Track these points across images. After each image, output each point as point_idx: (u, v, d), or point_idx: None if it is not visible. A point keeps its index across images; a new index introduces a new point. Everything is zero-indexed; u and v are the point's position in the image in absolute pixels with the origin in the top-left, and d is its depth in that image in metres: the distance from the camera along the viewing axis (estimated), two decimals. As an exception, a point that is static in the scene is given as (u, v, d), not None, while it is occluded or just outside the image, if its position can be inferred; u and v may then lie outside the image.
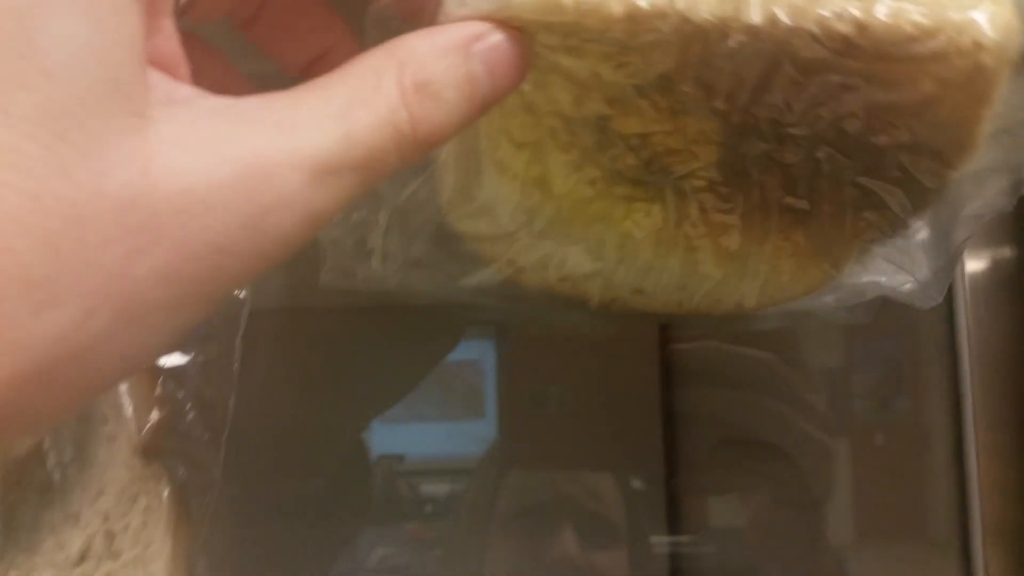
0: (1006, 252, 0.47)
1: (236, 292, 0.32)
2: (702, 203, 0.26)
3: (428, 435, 0.59)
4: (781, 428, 0.50)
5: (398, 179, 0.29)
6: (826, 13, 0.20)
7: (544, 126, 0.24)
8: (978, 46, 0.20)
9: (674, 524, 0.54)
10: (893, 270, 0.30)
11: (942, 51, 0.20)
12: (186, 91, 0.17)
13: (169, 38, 0.18)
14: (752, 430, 0.52)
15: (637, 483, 0.56)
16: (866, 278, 0.30)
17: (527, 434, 0.56)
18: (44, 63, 0.14)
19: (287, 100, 0.17)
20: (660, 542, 0.54)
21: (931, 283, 0.29)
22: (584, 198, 0.26)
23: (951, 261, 0.29)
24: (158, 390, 0.32)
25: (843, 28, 0.20)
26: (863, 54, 0.20)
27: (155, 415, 0.32)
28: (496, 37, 0.20)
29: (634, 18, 0.20)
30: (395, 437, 0.58)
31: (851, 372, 0.51)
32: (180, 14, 0.20)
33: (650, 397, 0.54)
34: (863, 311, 0.33)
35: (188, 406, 0.32)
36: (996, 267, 0.47)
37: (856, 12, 0.19)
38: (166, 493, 0.32)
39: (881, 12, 0.20)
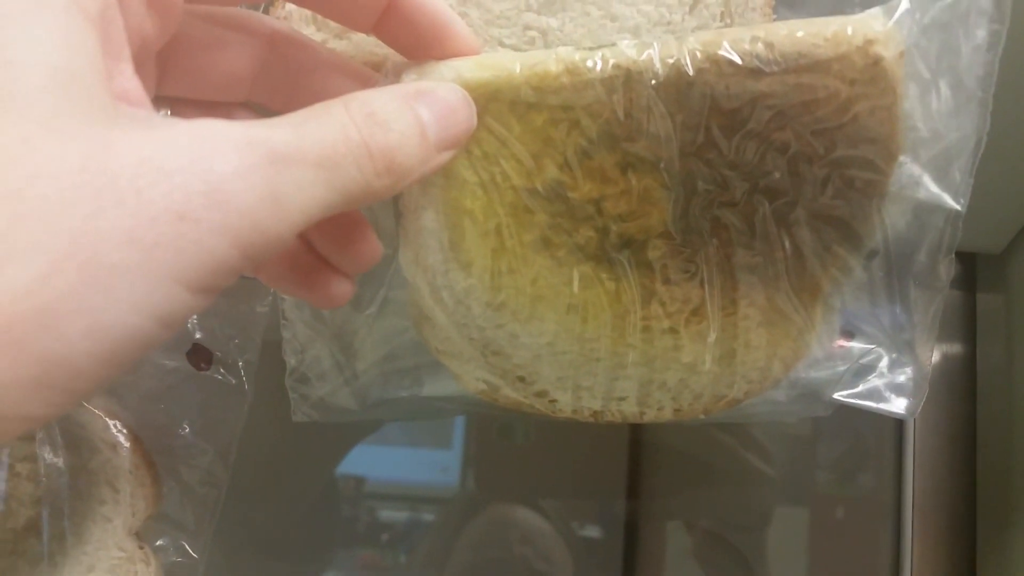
0: (956, 348, 0.50)
1: (238, 386, 0.33)
2: (665, 272, 0.27)
3: (392, 460, 0.59)
4: (729, 457, 0.53)
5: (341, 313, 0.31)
6: (735, 39, 0.23)
7: (505, 203, 0.26)
8: (870, 41, 0.23)
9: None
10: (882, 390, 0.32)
11: (842, 52, 0.23)
12: (150, 113, 0.19)
13: (130, 79, 0.19)
14: (706, 460, 0.54)
15: (594, 531, 0.58)
16: (856, 400, 0.32)
17: (493, 466, 0.58)
18: (7, 56, 0.15)
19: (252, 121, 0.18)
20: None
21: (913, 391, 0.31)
22: (552, 285, 0.27)
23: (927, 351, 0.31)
24: (156, 480, 0.33)
25: (752, 47, 0.23)
26: (774, 70, 0.23)
27: (151, 502, 0.33)
28: (442, 91, 0.22)
29: (572, 71, 0.24)
30: (358, 459, 0.58)
31: (816, 441, 0.54)
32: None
33: (618, 431, 0.56)
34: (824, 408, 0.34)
35: (183, 497, 0.33)
36: (945, 361, 0.50)
37: (761, 33, 0.23)
38: None
39: (782, 29, 0.23)
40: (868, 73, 0.23)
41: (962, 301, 0.49)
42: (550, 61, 0.24)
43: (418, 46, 0.24)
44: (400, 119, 0.20)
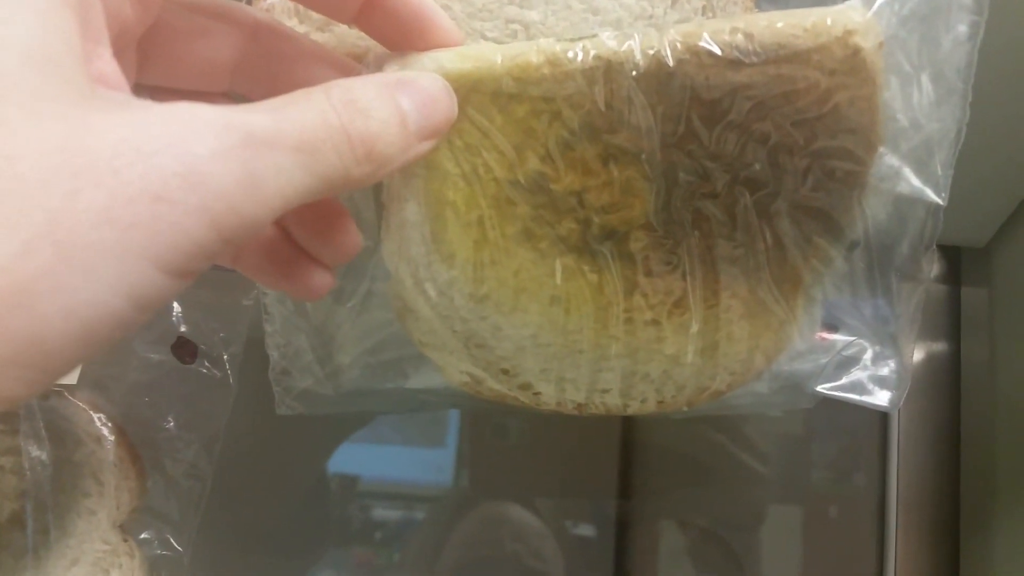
0: (940, 343, 0.50)
1: (222, 379, 0.33)
2: (647, 264, 0.27)
3: (386, 459, 0.59)
4: (720, 455, 0.53)
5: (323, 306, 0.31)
6: (715, 30, 0.23)
7: (487, 195, 0.26)
8: (849, 31, 0.23)
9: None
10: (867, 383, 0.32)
11: (822, 43, 0.23)
12: (128, 96, 0.19)
13: (108, 64, 0.19)
14: (697, 459, 0.55)
15: (586, 530, 0.58)
16: (839, 392, 0.33)
17: (486, 463, 0.58)
18: None
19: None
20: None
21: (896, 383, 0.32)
22: (534, 276, 0.27)
23: (908, 344, 0.31)
24: (140, 473, 0.33)
25: (732, 39, 0.23)
26: (754, 61, 0.23)
27: (136, 495, 0.33)
28: (423, 80, 0.22)
29: (553, 62, 0.24)
30: (352, 457, 0.58)
31: (808, 439, 0.54)
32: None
33: (610, 431, 0.55)
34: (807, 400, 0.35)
35: (167, 490, 0.33)
36: (930, 355, 0.50)
37: (741, 24, 0.23)
38: (138, 568, 0.33)
39: (762, 21, 0.23)
40: (847, 64, 0.23)
41: (947, 295, 0.49)
42: (531, 52, 0.24)
43: (400, 38, 0.24)
44: (381, 107, 0.20)
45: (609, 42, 0.24)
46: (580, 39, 0.24)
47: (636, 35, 0.24)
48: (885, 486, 0.49)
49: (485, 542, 0.55)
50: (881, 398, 0.32)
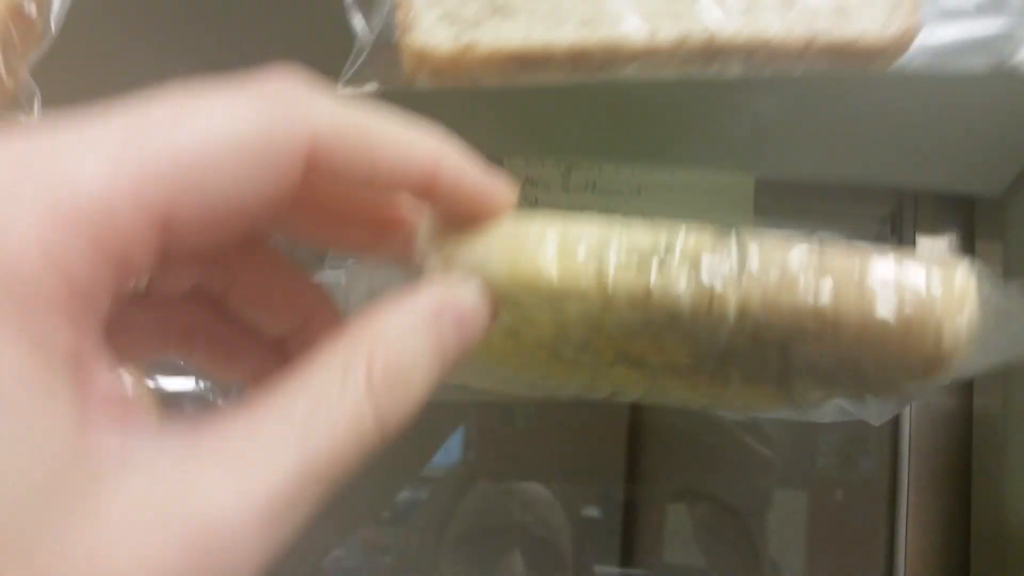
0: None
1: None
2: (676, 371, 0.26)
3: None
4: (726, 439, 0.53)
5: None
6: (798, 307, 0.21)
7: (527, 345, 0.24)
8: (940, 337, 0.21)
9: (627, 557, 0.56)
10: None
11: (910, 342, 0.21)
12: (136, 441, 0.16)
13: (108, 381, 0.17)
14: (704, 442, 0.54)
15: (593, 511, 0.58)
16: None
17: (493, 446, 0.58)
18: None
19: (246, 427, 0.16)
20: (610, 572, 0.56)
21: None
22: (562, 377, 0.27)
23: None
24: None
25: (815, 325, 0.21)
26: (834, 337, 0.21)
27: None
28: (467, 301, 0.21)
29: (602, 289, 0.22)
30: None
31: (816, 424, 0.53)
32: (142, 296, 0.20)
33: (617, 414, 0.56)
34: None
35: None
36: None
37: (828, 307, 0.20)
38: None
39: (852, 308, 0.20)
40: (929, 359, 0.21)
41: (960, 251, 0.47)
42: (586, 272, 0.22)
43: (452, 215, 0.22)
44: (423, 361, 0.19)
45: (680, 282, 0.22)
46: (641, 259, 0.22)
47: (706, 278, 0.22)
48: (896, 469, 0.49)
49: (493, 512, 0.55)
50: (869, 415, 0.31)
